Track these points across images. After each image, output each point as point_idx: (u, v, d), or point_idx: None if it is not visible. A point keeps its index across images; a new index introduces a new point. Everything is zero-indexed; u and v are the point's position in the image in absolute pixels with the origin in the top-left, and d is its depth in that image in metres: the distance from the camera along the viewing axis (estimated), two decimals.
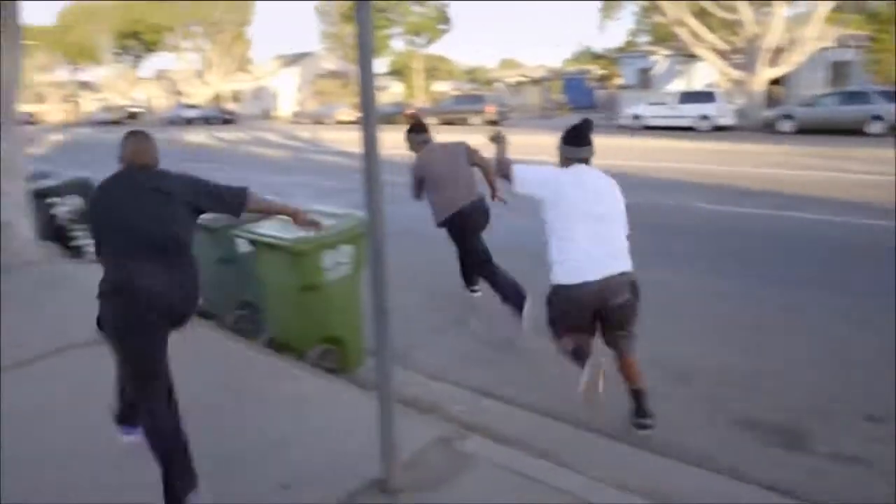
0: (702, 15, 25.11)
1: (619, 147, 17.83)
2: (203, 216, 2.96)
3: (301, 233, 4.00)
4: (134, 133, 2.95)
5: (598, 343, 3.62)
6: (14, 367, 4.20)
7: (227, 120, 43.38)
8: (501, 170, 3.84)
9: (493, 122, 28.44)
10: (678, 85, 30.79)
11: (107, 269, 2.68)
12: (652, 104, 25.74)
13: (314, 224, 3.26)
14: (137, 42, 53.41)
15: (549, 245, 3.54)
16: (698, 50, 25.46)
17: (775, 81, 25.78)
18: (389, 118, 27.93)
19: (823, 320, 5.15)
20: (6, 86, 6.60)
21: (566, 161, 3.63)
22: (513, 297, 5.04)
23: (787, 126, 21.54)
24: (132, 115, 48.74)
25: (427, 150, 5.46)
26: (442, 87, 54.56)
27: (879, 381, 4.02)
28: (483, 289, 5.65)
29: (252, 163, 19.28)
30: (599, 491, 2.85)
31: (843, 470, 3.19)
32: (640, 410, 3.55)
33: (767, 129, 21.95)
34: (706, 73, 28.87)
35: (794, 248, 7.25)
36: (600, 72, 44.85)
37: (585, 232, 3.41)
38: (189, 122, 42.84)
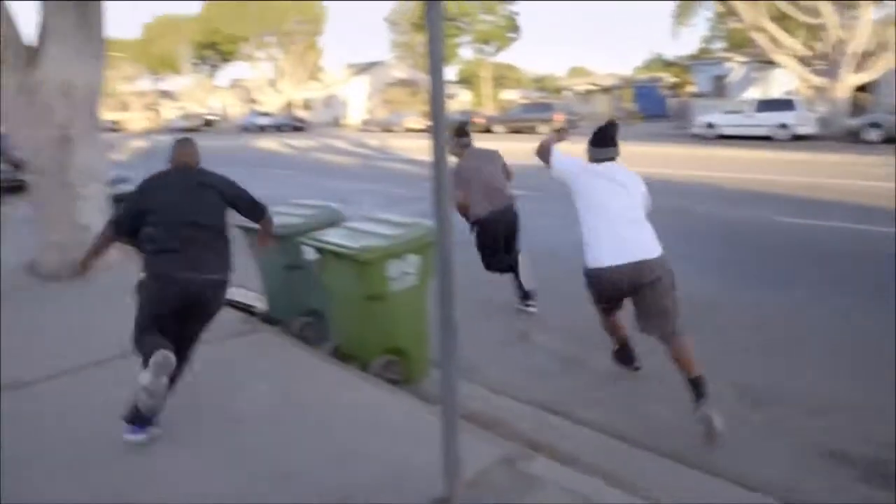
0: (781, 19, 24.17)
1: (691, 157, 17.34)
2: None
3: (367, 241, 3.98)
4: (181, 140, 3.70)
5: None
6: (92, 366, 4.33)
7: (297, 127, 44.41)
8: (542, 153, 4.26)
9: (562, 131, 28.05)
10: (754, 93, 29.73)
11: (148, 247, 3.27)
12: (727, 112, 24.89)
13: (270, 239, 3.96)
14: (214, 52, 55.40)
15: (582, 232, 3.89)
16: (777, 56, 24.49)
17: (861, 88, 24.56)
18: None
19: None
20: (89, 96, 6.87)
21: (594, 161, 4.04)
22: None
23: (873, 135, 20.46)
24: (208, 123, 50.52)
25: (469, 154, 5.81)
26: (510, 95, 54.39)
27: None
28: (541, 303, 5.67)
29: (321, 169, 19.61)
30: None
31: None
32: (700, 396, 3.49)
33: (852, 139, 20.89)
34: (785, 80, 27.76)
35: (884, 267, 6.79)
36: (672, 80, 43.85)
37: (613, 220, 3.75)
38: (262, 129, 44.07)
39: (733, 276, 6.74)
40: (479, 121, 34.41)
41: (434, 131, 2.46)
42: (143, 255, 3.31)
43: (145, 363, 3.02)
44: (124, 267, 5.47)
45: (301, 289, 4.87)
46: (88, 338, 4.86)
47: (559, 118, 30.29)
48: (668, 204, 10.56)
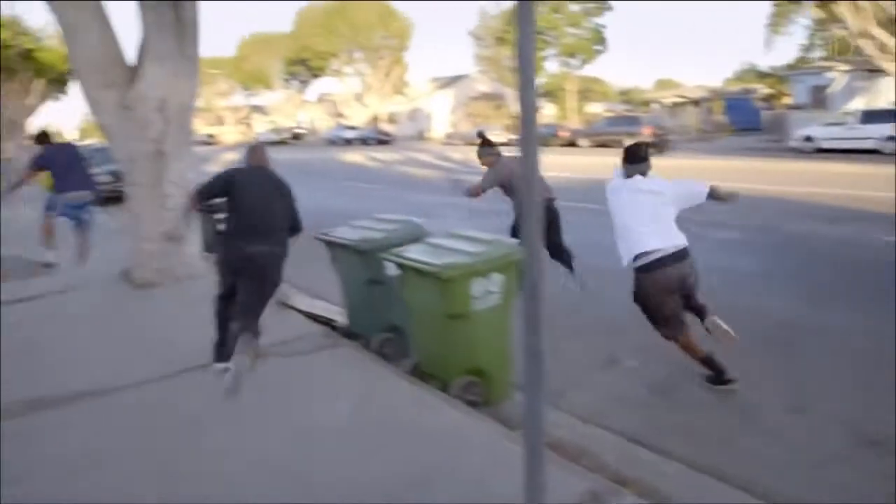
0: (890, 24, 22.71)
1: (788, 171, 16.45)
2: (354, 239, 4.84)
3: (450, 259, 3.88)
4: (254, 145, 4.67)
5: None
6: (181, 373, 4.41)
7: (382, 141, 45.13)
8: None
9: (652, 146, 27.29)
10: (858, 103, 27.95)
11: (230, 226, 4.19)
12: (827, 125, 23.51)
13: None
14: (304, 68, 57.18)
15: (617, 243, 4.33)
16: (887, 64, 23.00)
17: None
18: (543, 140, 27.71)
19: None
20: (182, 112, 7.15)
21: (627, 177, 4.43)
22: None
23: None
24: (296, 136, 52.14)
25: (504, 162, 6.51)
26: (595, 108, 53.57)
27: None
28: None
29: (405, 182, 19.76)
30: None
31: None
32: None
33: None
34: (894, 89, 26.07)
35: None
36: (766, 91, 42.02)
37: (645, 227, 4.17)
38: (348, 142, 45.06)
39: (828, 296, 6.26)
40: (564, 134, 33.98)
41: (524, 141, 2.25)
42: (222, 229, 4.26)
43: (219, 330, 4.27)
44: (211, 277, 5.61)
45: (382, 304, 4.83)
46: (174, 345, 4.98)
47: (648, 131, 29.45)
48: (770, 223, 10.03)
